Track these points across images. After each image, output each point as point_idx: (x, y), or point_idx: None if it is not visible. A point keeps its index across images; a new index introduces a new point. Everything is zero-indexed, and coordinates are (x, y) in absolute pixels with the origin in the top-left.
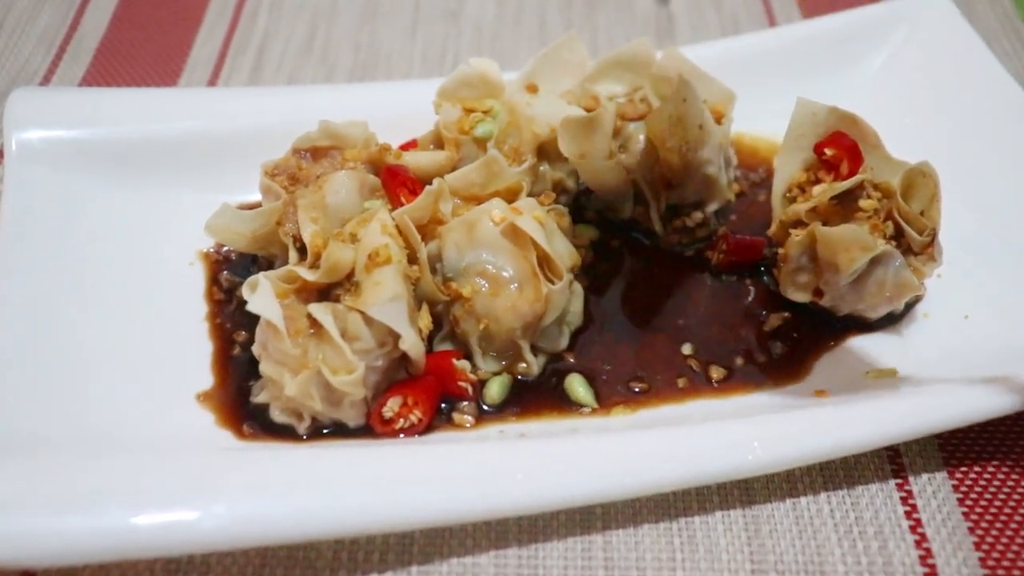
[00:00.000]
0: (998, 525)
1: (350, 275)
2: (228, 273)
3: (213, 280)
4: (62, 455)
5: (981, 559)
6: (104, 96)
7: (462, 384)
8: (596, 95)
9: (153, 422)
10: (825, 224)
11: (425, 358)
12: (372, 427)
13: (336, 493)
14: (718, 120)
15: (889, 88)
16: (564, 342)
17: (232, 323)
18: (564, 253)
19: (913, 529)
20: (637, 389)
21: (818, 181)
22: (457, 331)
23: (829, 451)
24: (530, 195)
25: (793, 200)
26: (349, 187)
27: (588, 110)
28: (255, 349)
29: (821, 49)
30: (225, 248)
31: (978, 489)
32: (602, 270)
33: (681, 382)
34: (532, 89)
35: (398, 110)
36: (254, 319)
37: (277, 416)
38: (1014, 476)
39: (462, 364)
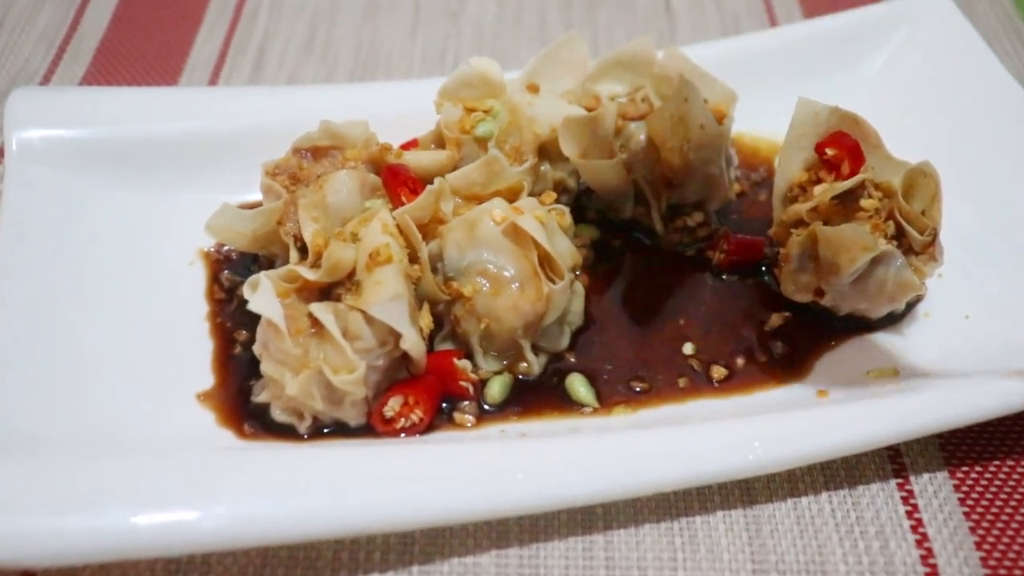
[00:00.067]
0: (999, 525)
1: (351, 274)
2: (229, 272)
3: (214, 279)
4: (62, 455)
5: (982, 559)
6: (104, 96)
7: (463, 384)
8: (597, 95)
9: (153, 422)
10: (826, 224)
11: (426, 357)
12: (373, 426)
13: (337, 493)
14: (719, 120)
15: (890, 88)
16: (565, 342)
17: (233, 322)
18: (565, 253)
19: (914, 529)
20: (638, 389)
21: (819, 181)
22: (458, 330)
23: (830, 451)
24: (531, 195)
25: (794, 200)
26: (350, 186)
27: (589, 110)
28: (256, 348)
29: (822, 49)
30: (226, 247)
31: (979, 489)
32: (603, 270)
33: (682, 382)
34: (533, 89)
35: (399, 110)
36: (255, 318)
37: (278, 415)
38: (1015, 476)
39: (463, 364)
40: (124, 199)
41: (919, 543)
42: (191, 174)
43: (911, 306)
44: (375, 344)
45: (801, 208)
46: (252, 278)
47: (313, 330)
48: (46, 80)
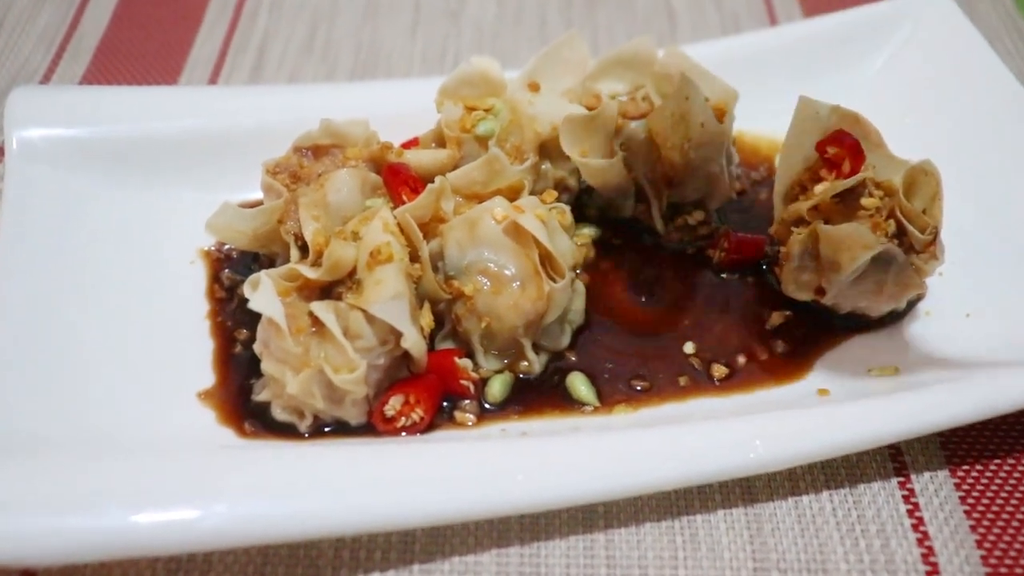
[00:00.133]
0: (1000, 523)
1: (352, 273)
2: (229, 271)
3: (214, 278)
4: (62, 455)
5: (983, 557)
6: (104, 95)
7: (464, 382)
8: (598, 93)
9: (154, 420)
10: (827, 222)
11: (427, 356)
12: (374, 425)
13: (338, 491)
14: (720, 118)
15: (891, 86)
16: (566, 340)
17: (233, 321)
18: (566, 251)
19: (915, 527)
20: (639, 387)
21: (820, 179)
22: (459, 329)
23: (831, 449)
24: (532, 193)
25: (795, 198)
26: (351, 185)
27: (590, 108)
28: (256, 347)
29: (823, 48)
30: (226, 246)
31: (980, 487)
32: (604, 268)
33: (683, 380)
34: (534, 87)
35: (399, 109)
36: (255, 317)
37: (278, 414)
38: (1016, 474)
39: (464, 362)
40: (124, 198)
41: (920, 542)
42: (191, 173)
43: (912, 304)
44: (376, 343)
45: (802, 206)
46: (253, 277)
47: (314, 329)
48: (46, 79)
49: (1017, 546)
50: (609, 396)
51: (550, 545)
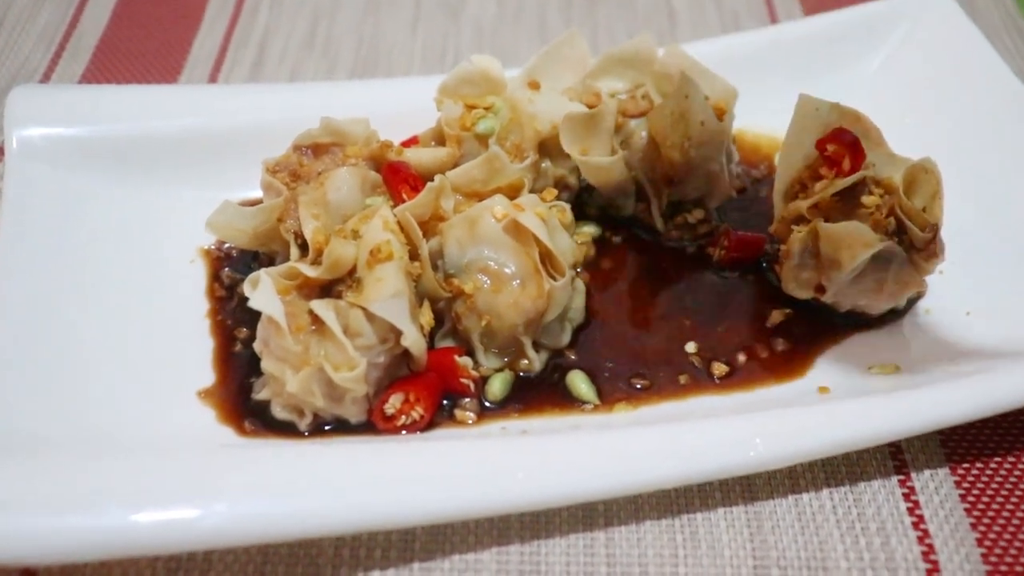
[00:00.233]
0: (1000, 521)
1: (352, 271)
2: (229, 270)
3: (214, 277)
4: (62, 454)
5: (983, 555)
6: (104, 93)
7: (464, 381)
8: (598, 92)
9: (154, 419)
10: (827, 220)
11: (427, 354)
12: (374, 424)
13: (338, 490)
14: (720, 116)
15: (891, 85)
16: (566, 338)
17: (233, 320)
18: (566, 249)
19: (915, 525)
20: (639, 385)
21: (820, 177)
22: (459, 327)
23: (831, 447)
24: (532, 192)
25: (795, 196)
26: (351, 184)
27: (590, 107)
28: (256, 346)
29: (823, 46)
30: (226, 245)
31: (980, 485)
32: (604, 266)
33: (683, 378)
34: (534, 86)
35: (399, 107)
36: (255, 316)
37: (278, 413)
38: (1016, 472)
39: (464, 361)
40: (124, 197)
41: (920, 540)
42: (191, 171)
43: (912, 302)
44: (376, 341)
45: (802, 204)
46: (252, 275)
47: (314, 327)
48: (46, 78)
49: (1017, 544)
50: (609, 394)
51: (550, 543)
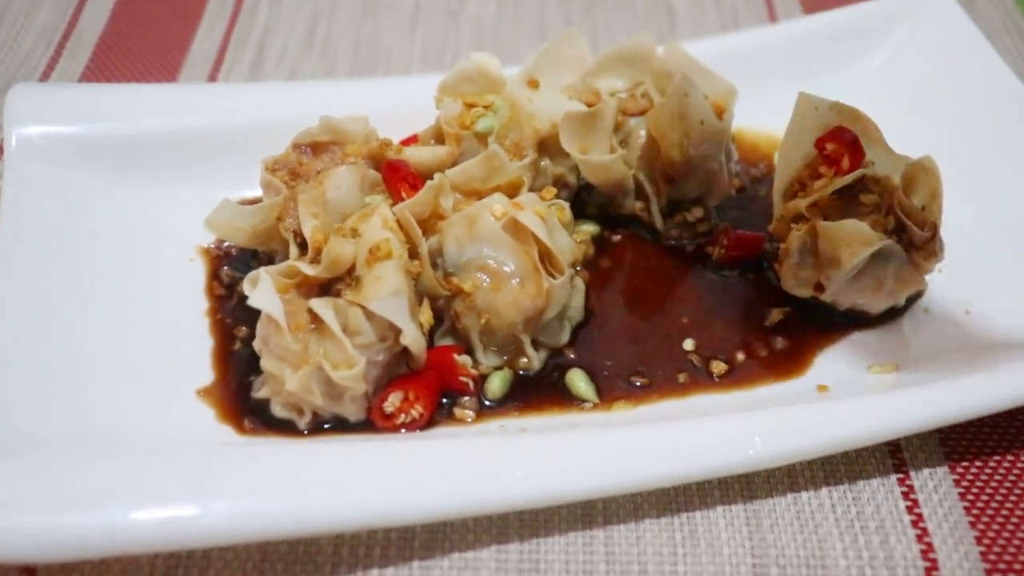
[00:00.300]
0: (999, 519)
1: (351, 270)
2: (228, 269)
3: (213, 276)
4: (61, 452)
5: (982, 553)
6: (104, 92)
7: (463, 379)
8: (597, 90)
9: (153, 417)
10: (826, 219)
11: (426, 353)
12: (373, 422)
13: (337, 488)
14: (719, 115)
15: (891, 84)
16: (565, 337)
17: (232, 319)
18: (565, 248)
19: (915, 524)
20: (638, 384)
21: (819, 176)
22: (458, 326)
23: (830, 446)
24: (531, 190)
25: (794, 195)
26: (350, 182)
27: (589, 105)
28: (256, 344)
29: (822, 45)
30: (225, 244)
31: (979, 484)
32: (603, 265)
33: (682, 377)
34: (533, 84)
35: (399, 105)
36: (254, 314)
37: (278, 411)
38: (1015, 471)
39: (463, 359)
40: (124, 195)
41: (919, 538)
42: (191, 170)
43: (911, 301)
44: (375, 339)
45: (801, 203)
46: (252, 274)
47: (313, 326)
48: (45, 76)
49: (1016, 542)
50: (608, 393)
51: (549, 541)
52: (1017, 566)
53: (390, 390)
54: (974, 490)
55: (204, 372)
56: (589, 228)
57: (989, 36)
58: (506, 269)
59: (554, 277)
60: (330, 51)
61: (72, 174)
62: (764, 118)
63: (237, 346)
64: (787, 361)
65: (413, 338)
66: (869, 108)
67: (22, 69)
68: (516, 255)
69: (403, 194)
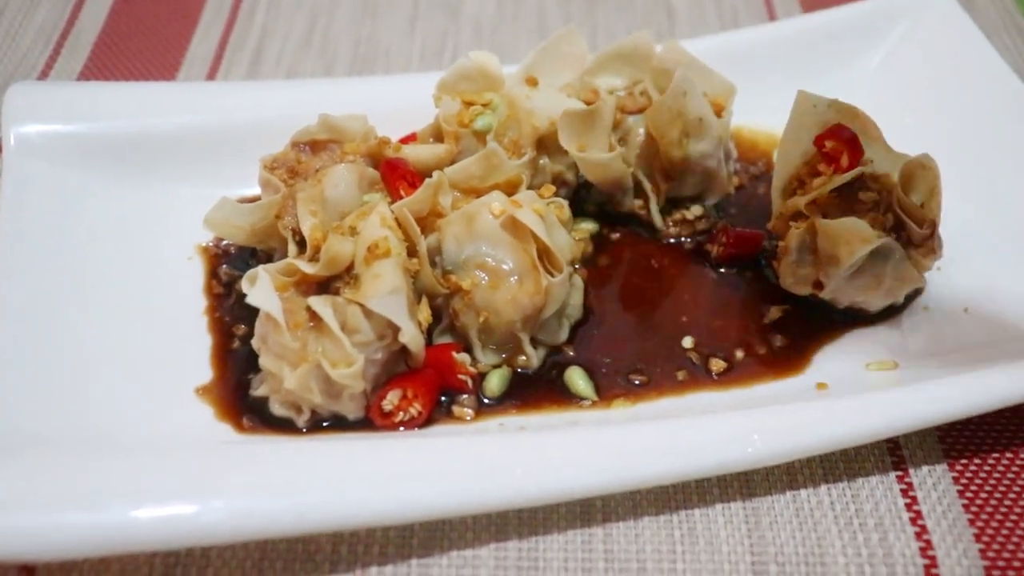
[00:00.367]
0: (998, 517)
1: (349, 268)
2: (227, 267)
3: (212, 274)
4: (60, 450)
5: (981, 551)
6: (102, 90)
7: (462, 377)
8: (596, 88)
9: (152, 416)
10: (825, 216)
11: (425, 351)
12: (372, 420)
13: (336, 486)
14: (718, 113)
15: (890, 82)
16: (564, 335)
17: (231, 317)
18: (564, 246)
19: (913, 521)
20: (637, 382)
21: (818, 174)
22: (457, 324)
23: (829, 443)
24: (530, 188)
25: (793, 193)
26: (348, 180)
27: (588, 103)
28: (254, 342)
29: (821, 43)
30: (224, 242)
31: (978, 481)
32: (602, 263)
33: (681, 375)
34: (532, 82)
35: (397, 104)
36: (253, 313)
37: (276, 409)
38: (1014, 468)
39: (462, 357)
40: (122, 194)
41: (918, 535)
42: (189, 169)
43: (910, 299)
44: (373, 337)
45: (800, 201)
46: (250, 272)
47: (311, 324)
48: (44, 75)
49: (1015, 539)
50: (607, 390)
51: (548, 539)
52: (1016, 563)
53: (389, 388)
54: (973, 487)
55: (203, 370)
56: (588, 226)
57: (989, 35)
58: (505, 267)
59: (553, 275)
60: (329, 49)
61: (71, 173)
62: (763, 116)
63: (236, 344)
64: (786, 359)
65: (412, 336)
66: (868, 106)
67: (20, 68)
68: (515, 253)
69: (402, 192)
